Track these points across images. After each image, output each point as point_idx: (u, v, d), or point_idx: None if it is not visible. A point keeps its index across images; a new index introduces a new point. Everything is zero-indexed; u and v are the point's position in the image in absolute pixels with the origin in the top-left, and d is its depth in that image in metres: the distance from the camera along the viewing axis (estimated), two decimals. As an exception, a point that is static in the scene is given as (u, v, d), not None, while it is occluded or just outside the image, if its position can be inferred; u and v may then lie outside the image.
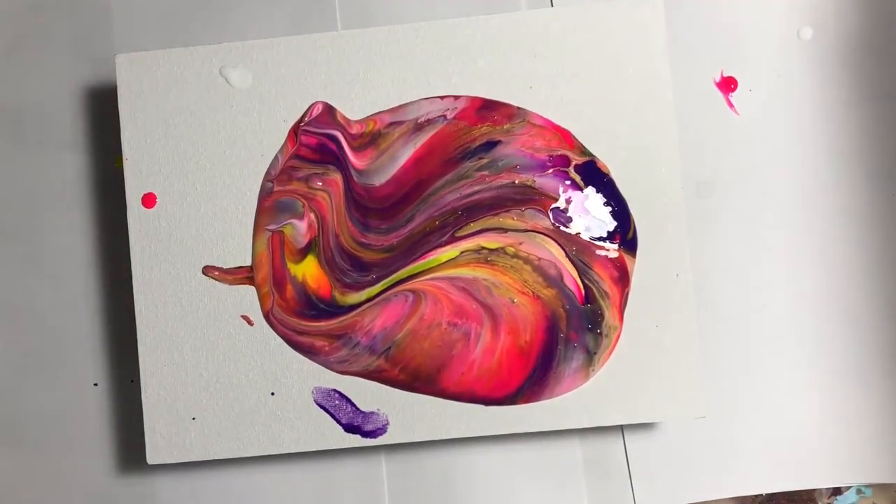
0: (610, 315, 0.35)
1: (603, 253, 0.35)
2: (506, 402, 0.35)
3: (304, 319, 0.35)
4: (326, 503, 0.39)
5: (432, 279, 0.35)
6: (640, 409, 0.35)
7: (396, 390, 0.35)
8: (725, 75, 0.39)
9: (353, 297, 0.35)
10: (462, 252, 0.35)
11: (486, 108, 0.36)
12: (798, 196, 0.39)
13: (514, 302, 0.35)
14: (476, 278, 0.35)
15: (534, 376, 0.35)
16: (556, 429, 0.35)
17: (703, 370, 0.34)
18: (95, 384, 0.39)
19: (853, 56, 0.39)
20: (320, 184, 0.36)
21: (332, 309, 0.35)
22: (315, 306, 0.35)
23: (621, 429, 0.39)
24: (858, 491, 0.39)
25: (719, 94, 0.39)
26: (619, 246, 0.35)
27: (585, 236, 0.35)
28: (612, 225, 0.35)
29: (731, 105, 0.39)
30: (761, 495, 0.39)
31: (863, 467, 0.38)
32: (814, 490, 0.39)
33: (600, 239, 0.35)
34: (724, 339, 0.39)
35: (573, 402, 0.35)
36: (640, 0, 0.35)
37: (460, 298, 0.35)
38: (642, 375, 0.35)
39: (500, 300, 0.35)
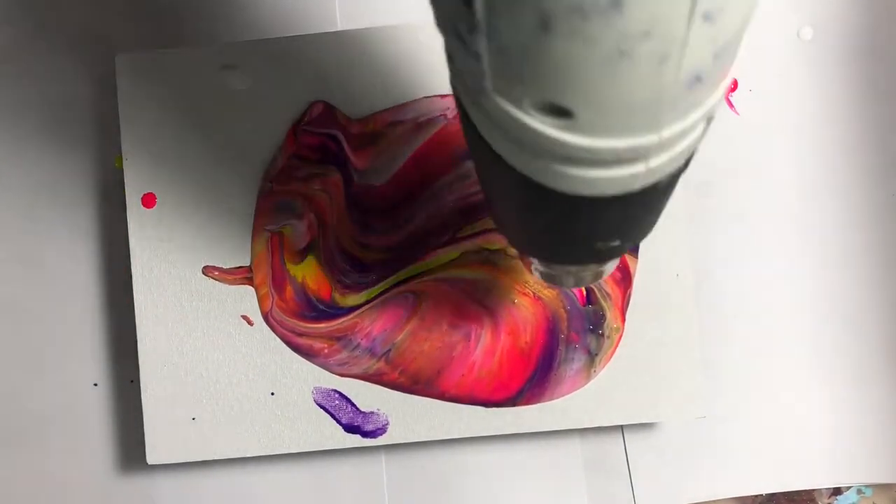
0: (612, 316, 0.34)
1: None
2: (506, 405, 0.34)
3: (304, 321, 0.35)
4: (326, 503, 0.38)
5: (433, 280, 0.35)
6: (640, 409, 0.34)
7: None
8: (725, 75, 0.39)
9: (353, 299, 0.35)
10: (463, 253, 0.35)
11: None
12: (798, 196, 0.39)
13: (514, 303, 0.35)
14: (477, 279, 0.34)
15: (534, 378, 0.34)
16: (557, 429, 0.34)
17: (703, 370, 0.34)
18: (95, 384, 0.39)
19: (854, 56, 0.39)
20: (320, 184, 0.35)
21: (332, 310, 0.35)
22: (315, 307, 0.35)
23: (621, 429, 0.38)
24: (859, 491, 0.39)
25: (719, 93, 0.39)
26: None
27: None
28: None
29: (731, 105, 0.39)
30: (761, 495, 0.38)
31: (863, 467, 0.38)
32: (814, 490, 0.39)
33: None
34: (724, 339, 0.38)
35: (573, 402, 0.34)
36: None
37: (461, 300, 0.34)
38: (642, 375, 0.34)
39: (500, 301, 0.34)
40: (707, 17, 0.12)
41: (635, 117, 0.14)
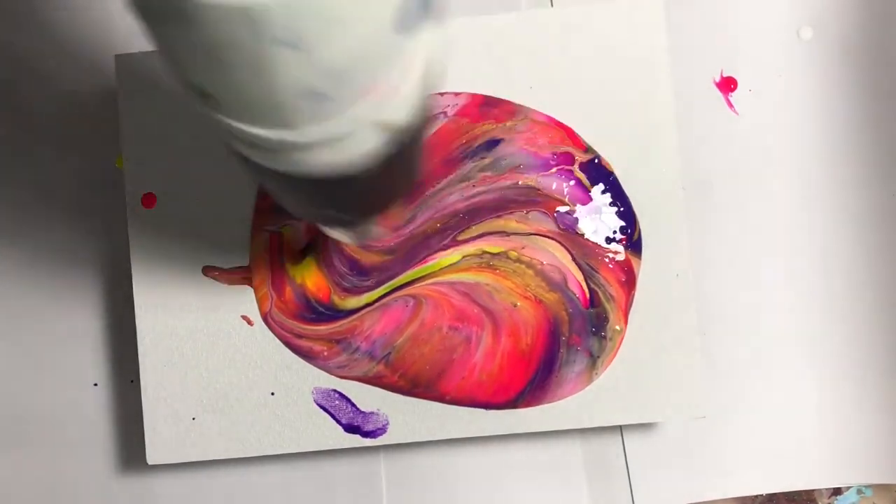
0: (615, 318, 0.33)
1: (609, 255, 0.33)
2: (506, 408, 0.33)
3: (303, 322, 0.34)
4: (325, 503, 0.38)
5: (433, 284, 0.34)
6: (641, 409, 0.33)
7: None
8: (725, 75, 0.38)
9: (353, 302, 0.34)
10: (464, 256, 0.33)
11: (488, 105, 0.34)
12: (798, 196, 0.38)
13: (516, 306, 0.33)
14: (478, 283, 0.33)
15: (535, 381, 0.33)
16: (557, 429, 0.33)
17: (703, 370, 0.34)
18: (95, 384, 0.39)
19: (853, 56, 0.38)
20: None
21: (332, 313, 0.34)
22: (314, 309, 0.34)
23: (620, 429, 0.38)
24: (859, 491, 0.38)
25: (719, 93, 0.39)
26: (626, 247, 0.33)
27: (592, 238, 0.33)
28: (618, 226, 0.34)
29: (730, 105, 0.38)
30: (761, 495, 0.38)
31: (863, 467, 0.37)
32: (814, 490, 0.38)
33: (607, 240, 0.34)
34: (724, 339, 0.37)
35: (574, 402, 0.33)
36: (640, 0, 0.35)
37: (462, 303, 0.33)
38: (643, 376, 0.33)
39: (501, 304, 0.33)
40: (289, 45, 0.13)
41: (263, 112, 0.15)
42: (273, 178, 0.18)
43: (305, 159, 0.17)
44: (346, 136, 0.16)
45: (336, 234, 0.26)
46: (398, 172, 0.19)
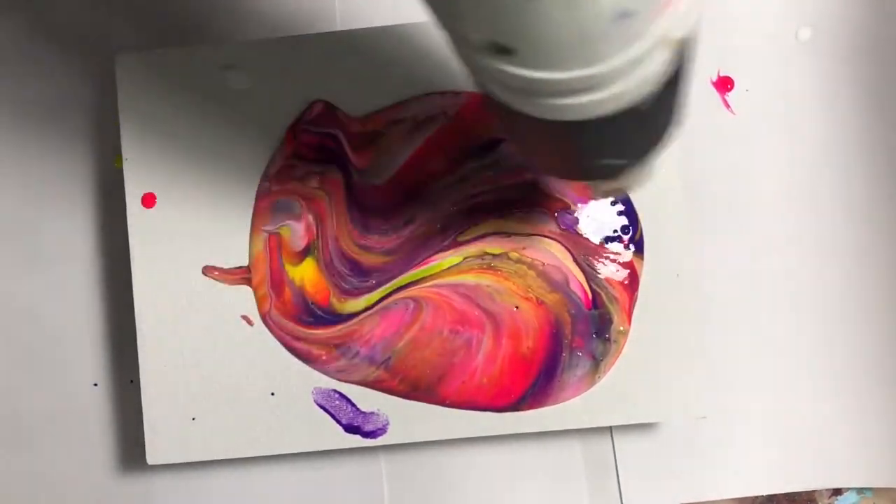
0: (619, 319, 0.32)
1: (612, 256, 0.33)
2: (507, 411, 0.32)
3: (302, 325, 0.33)
4: (325, 503, 0.38)
5: (434, 286, 0.33)
6: (641, 409, 0.32)
7: (396, 392, 0.34)
8: (722, 75, 0.38)
9: (352, 305, 0.33)
10: (465, 258, 0.33)
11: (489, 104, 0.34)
12: (794, 196, 0.37)
13: (517, 308, 0.33)
14: (479, 285, 0.33)
15: (537, 384, 0.32)
16: (557, 429, 0.33)
17: (703, 370, 0.34)
18: (95, 384, 0.38)
19: (851, 56, 0.37)
20: (318, 183, 0.34)
21: (331, 317, 0.33)
22: (313, 313, 0.33)
23: (610, 430, 0.36)
24: (859, 491, 0.38)
25: (716, 93, 0.38)
26: (628, 248, 0.33)
27: (594, 239, 0.33)
28: (619, 225, 0.33)
29: (727, 105, 0.38)
30: (761, 496, 0.38)
31: (863, 468, 0.36)
32: (814, 491, 0.38)
33: (609, 241, 0.33)
34: (724, 339, 0.36)
35: (574, 402, 0.32)
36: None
37: (463, 306, 0.33)
38: (643, 376, 0.32)
39: (502, 306, 0.33)
40: None
41: (570, 51, 0.15)
42: (549, 131, 0.18)
43: (597, 98, 0.17)
44: (642, 59, 0.16)
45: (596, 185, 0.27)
46: (665, 103, 0.19)
